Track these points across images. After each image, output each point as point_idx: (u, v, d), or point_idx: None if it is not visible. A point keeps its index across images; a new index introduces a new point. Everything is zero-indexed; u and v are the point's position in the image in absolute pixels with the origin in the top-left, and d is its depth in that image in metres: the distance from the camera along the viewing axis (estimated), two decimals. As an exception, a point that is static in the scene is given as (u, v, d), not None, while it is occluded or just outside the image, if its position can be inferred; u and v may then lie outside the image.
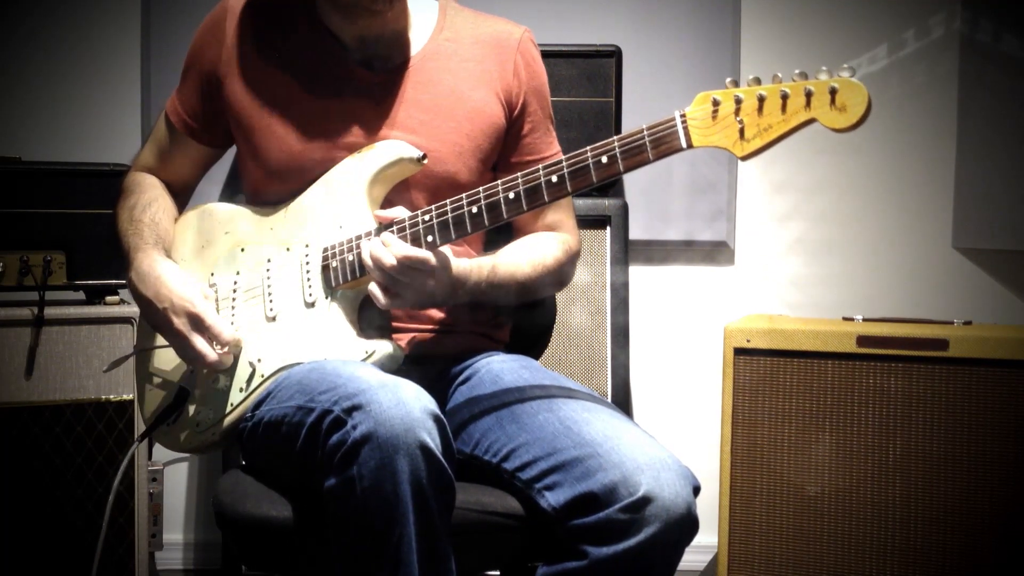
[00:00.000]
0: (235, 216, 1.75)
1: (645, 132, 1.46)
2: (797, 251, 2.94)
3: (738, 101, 1.41)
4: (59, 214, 2.33)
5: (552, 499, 1.49)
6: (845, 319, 2.50)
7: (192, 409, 1.67)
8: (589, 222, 2.62)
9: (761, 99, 1.40)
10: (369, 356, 1.57)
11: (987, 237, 2.87)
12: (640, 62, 2.85)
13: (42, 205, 2.32)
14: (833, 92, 1.36)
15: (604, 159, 1.48)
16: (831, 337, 2.38)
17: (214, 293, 1.70)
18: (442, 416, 1.41)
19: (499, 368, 1.71)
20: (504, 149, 1.78)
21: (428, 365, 1.71)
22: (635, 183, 2.88)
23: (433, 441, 1.37)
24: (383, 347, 1.58)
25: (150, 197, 1.78)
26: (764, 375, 2.42)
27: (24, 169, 2.35)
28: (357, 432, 1.36)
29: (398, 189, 1.68)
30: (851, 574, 2.37)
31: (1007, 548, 2.28)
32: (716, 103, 1.42)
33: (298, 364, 1.59)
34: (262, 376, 1.62)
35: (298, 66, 1.71)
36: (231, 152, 2.72)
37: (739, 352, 2.43)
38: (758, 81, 1.42)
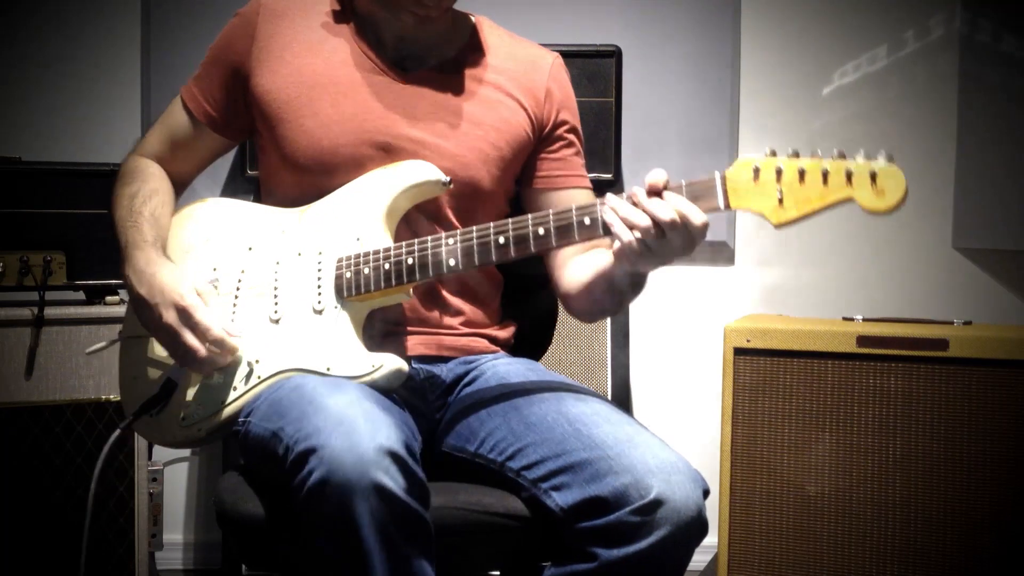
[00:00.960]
0: (244, 214, 1.73)
1: (684, 186, 1.48)
2: (797, 251, 2.94)
3: (779, 171, 1.44)
4: (59, 214, 2.33)
5: (560, 500, 1.49)
6: (845, 319, 2.50)
7: (180, 402, 1.64)
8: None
9: (802, 172, 1.43)
10: (376, 370, 1.55)
11: (987, 237, 2.87)
12: (640, 62, 2.85)
13: (42, 205, 2.32)
14: (873, 175, 1.40)
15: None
16: (831, 337, 2.38)
17: (214, 289, 1.67)
18: (403, 452, 1.36)
19: (505, 370, 1.71)
20: (536, 165, 1.78)
21: (432, 366, 1.71)
22: (634, 183, 2.88)
23: (392, 480, 1.33)
24: (390, 362, 1.56)
25: (152, 188, 1.75)
26: (764, 375, 2.42)
27: (24, 169, 2.35)
28: (312, 479, 1.34)
29: None
30: (851, 574, 2.37)
31: (1007, 548, 2.28)
32: (757, 170, 1.45)
33: (298, 370, 1.58)
34: (259, 377, 1.60)
35: (330, 61, 1.71)
36: (231, 151, 2.73)
37: (739, 352, 2.43)
38: (797, 154, 1.44)
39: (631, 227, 1.47)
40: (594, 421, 1.53)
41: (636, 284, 1.64)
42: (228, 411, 1.60)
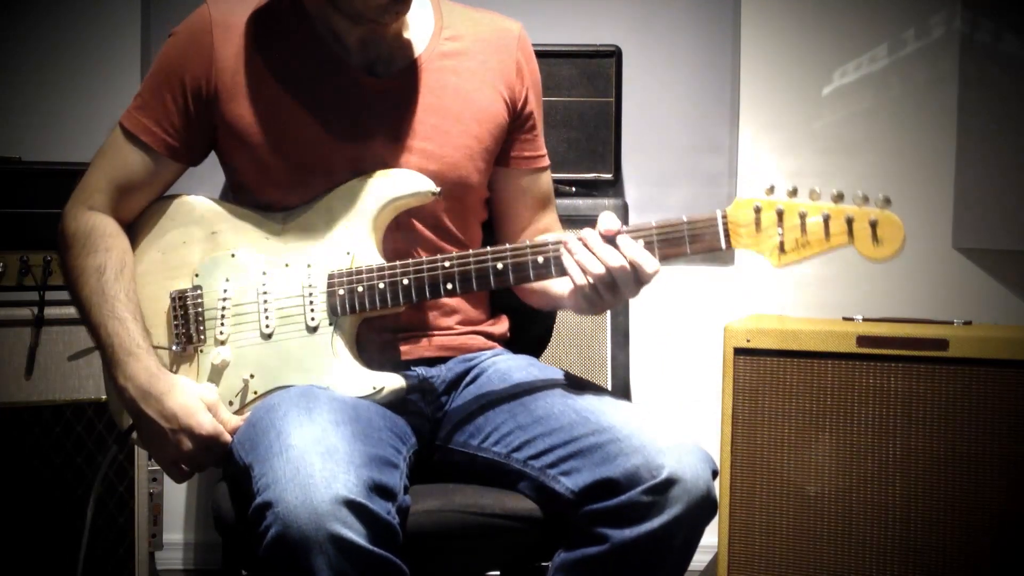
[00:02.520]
0: (223, 216, 1.67)
1: (685, 225, 1.49)
2: (797, 251, 2.93)
3: (780, 213, 1.47)
4: (59, 214, 2.31)
5: (570, 483, 1.49)
6: (845, 319, 2.50)
7: None
8: (589, 222, 2.62)
9: (803, 216, 1.46)
10: (377, 392, 1.56)
11: (987, 237, 2.87)
12: (640, 62, 2.85)
13: (42, 205, 2.31)
14: (873, 225, 1.43)
15: (640, 243, 1.50)
16: (831, 337, 2.38)
17: (198, 298, 1.62)
18: (362, 498, 1.32)
19: (507, 367, 1.71)
20: (505, 146, 1.76)
21: (432, 368, 1.71)
22: (634, 183, 2.88)
23: (351, 530, 1.31)
24: (391, 382, 1.57)
25: (118, 260, 1.63)
26: (764, 375, 2.42)
27: (24, 169, 2.35)
28: (270, 535, 1.32)
29: None
30: (851, 574, 2.37)
31: (1007, 548, 2.28)
32: (758, 210, 1.47)
33: (290, 387, 1.57)
34: (255, 393, 1.59)
35: (300, 76, 1.65)
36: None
37: (739, 352, 2.43)
38: (795, 192, 1.47)
39: (584, 272, 1.49)
40: (601, 409, 1.53)
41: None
42: None
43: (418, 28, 1.72)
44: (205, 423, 1.54)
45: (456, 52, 1.72)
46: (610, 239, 1.50)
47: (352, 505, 1.32)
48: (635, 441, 1.45)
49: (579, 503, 1.47)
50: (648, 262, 1.48)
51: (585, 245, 1.50)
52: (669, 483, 1.42)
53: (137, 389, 1.56)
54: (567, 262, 1.51)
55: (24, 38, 2.85)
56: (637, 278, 1.49)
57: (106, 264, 1.62)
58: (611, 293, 1.50)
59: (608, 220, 1.51)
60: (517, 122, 1.77)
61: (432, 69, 1.70)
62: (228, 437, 1.55)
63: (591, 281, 1.49)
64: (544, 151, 1.82)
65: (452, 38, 1.73)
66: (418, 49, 1.71)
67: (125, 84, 2.86)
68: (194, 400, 1.55)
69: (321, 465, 1.34)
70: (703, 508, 1.44)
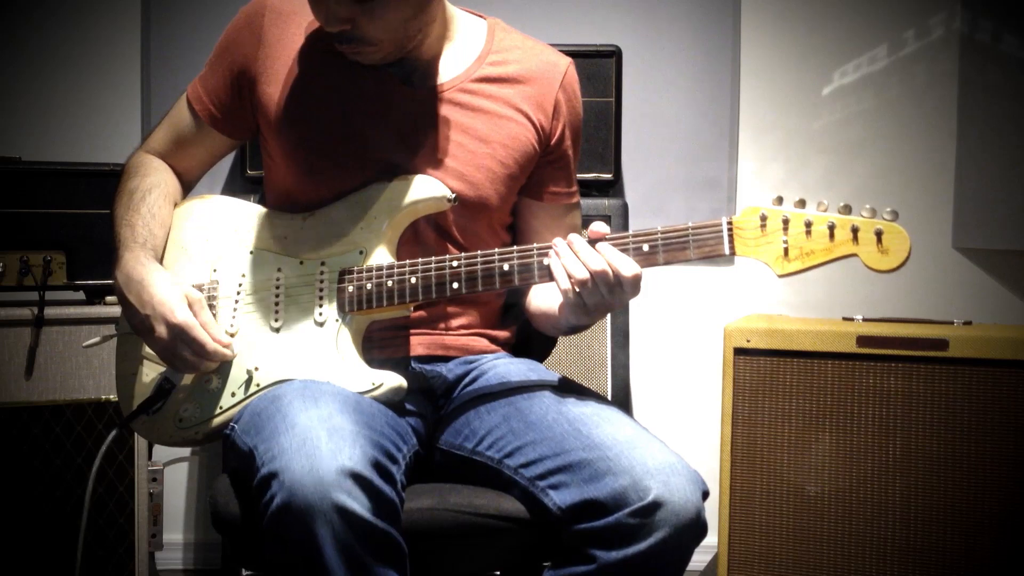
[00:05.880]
0: (245, 215, 1.72)
1: (690, 230, 1.50)
2: (797, 251, 2.93)
3: (785, 221, 1.46)
4: (59, 214, 2.33)
5: (558, 499, 1.49)
6: (845, 319, 2.50)
7: (177, 403, 1.64)
8: (589, 222, 2.62)
9: (808, 224, 1.45)
10: (375, 388, 1.56)
11: (987, 237, 2.87)
12: (640, 62, 2.85)
13: (42, 205, 2.32)
14: (879, 234, 1.42)
15: (645, 247, 1.51)
16: (831, 337, 2.38)
17: (214, 291, 1.66)
18: (366, 471, 1.35)
19: (506, 370, 1.71)
20: (536, 178, 1.77)
21: (433, 366, 1.71)
22: (634, 183, 2.88)
23: (355, 501, 1.33)
24: (390, 380, 1.57)
25: (152, 182, 1.74)
26: (764, 375, 2.42)
27: (24, 169, 2.35)
28: (275, 504, 1.34)
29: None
30: (851, 574, 2.37)
31: (1007, 548, 2.28)
32: (764, 218, 1.47)
33: (292, 380, 1.57)
34: (258, 385, 1.60)
35: (336, 72, 1.68)
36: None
37: (739, 352, 2.43)
38: (803, 204, 1.47)
39: (568, 276, 1.50)
40: (594, 421, 1.53)
41: (574, 329, 1.67)
42: (225, 416, 1.61)
43: (465, 49, 1.74)
44: (178, 312, 1.57)
45: (497, 77, 1.73)
46: (594, 243, 1.51)
47: (356, 477, 1.34)
48: (624, 461, 1.45)
49: (567, 521, 1.48)
50: (626, 265, 1.48)
51: (570, 248, 1.51)
52: (655, 506, 1.41)
53: (124, 276, 1.62)
54: (554, 265, 1.52)
55: (24, 38, 2.85)
56: (618, 282, 1.49)
57: (138, 186, 1.73)
58: (594, 299, 1.50)
59: (596, 226, 1.53)
60: (548, 156, 1.77)
61: (468, 90, 1.72)
62: (200, 332, 1.58)
63: (575, 287, 1.50)
64: (575, 187, 1.82)
65: (497, 63, 1.74)
66: (458, 69, 1.73)
67: (125, 84, 2.86)
68: (173, 292, 1.59)
69: (327, 438, 1.36)
70: (691, 531, 1.43)
